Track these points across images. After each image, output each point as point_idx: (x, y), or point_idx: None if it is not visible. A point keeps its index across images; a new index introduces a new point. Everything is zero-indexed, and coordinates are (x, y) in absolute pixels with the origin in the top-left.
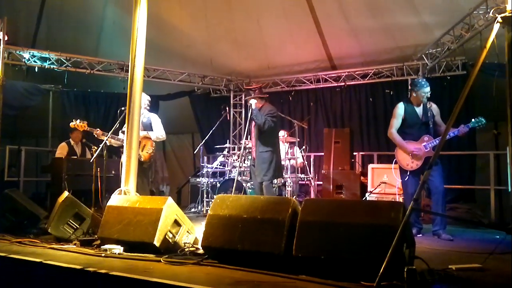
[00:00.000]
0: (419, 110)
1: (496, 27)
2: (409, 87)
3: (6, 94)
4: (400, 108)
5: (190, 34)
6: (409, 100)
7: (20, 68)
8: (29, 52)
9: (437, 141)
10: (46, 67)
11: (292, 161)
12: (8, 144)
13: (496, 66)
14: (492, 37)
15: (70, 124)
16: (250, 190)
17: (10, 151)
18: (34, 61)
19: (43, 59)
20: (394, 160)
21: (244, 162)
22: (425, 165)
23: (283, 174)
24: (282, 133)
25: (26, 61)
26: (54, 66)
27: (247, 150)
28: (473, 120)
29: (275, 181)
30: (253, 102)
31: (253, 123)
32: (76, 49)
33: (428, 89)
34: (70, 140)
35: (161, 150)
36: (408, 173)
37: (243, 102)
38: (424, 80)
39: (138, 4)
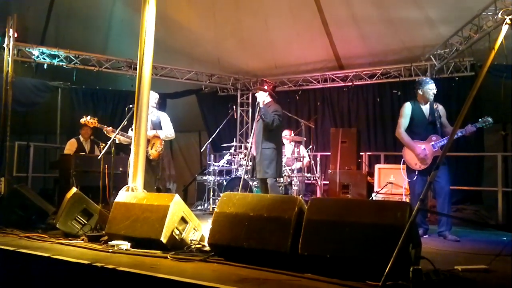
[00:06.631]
0: (425, 109)
1: (505, 28)
2: (414, 88)
3: (15, 90)
4: (407, 108)
5: (198, 33)
6: (416, 99)
7: (29, 65)
8: (38, 49)
9: (445, 141)
10: (55, 64)
11: (299, 162)
12: (17, 140)
13: (504, 68)
14: (500, 38)
15: (81, 120)
16: (256, 189)
17: (19, 147)
18: (43, 58)
19: (52, 56)
20: (402, 160)
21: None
22: (434, 165)
23: (287, 173)
24: (287, 132)
25: (35, 58)
26: (63, 63)
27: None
28: (480, 120)
29: (281, 180)
30: (260, 100)
31: (256, 120)
32: (84, 46)
33: (433, 85)
34: (80, 136)
35: (168, 148)
36: (416, 173)
37: (250, 101)
38: (428, 78)
39: (146, 2)
